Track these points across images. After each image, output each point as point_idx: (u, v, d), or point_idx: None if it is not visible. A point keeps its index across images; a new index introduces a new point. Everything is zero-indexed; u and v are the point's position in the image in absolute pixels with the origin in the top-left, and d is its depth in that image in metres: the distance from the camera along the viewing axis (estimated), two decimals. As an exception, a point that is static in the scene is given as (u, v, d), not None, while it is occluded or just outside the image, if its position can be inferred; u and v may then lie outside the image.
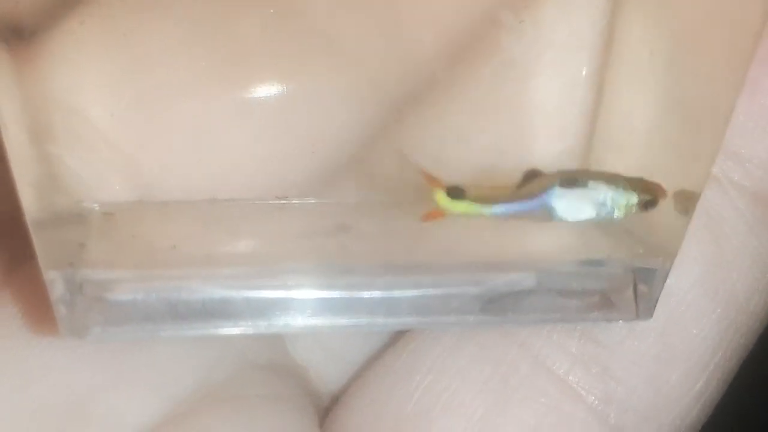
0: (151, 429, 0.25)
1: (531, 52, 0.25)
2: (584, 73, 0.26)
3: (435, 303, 0.25)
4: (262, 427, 0.26)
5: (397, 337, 0.28)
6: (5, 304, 0.25)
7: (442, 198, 0.24)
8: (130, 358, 0.26)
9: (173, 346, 0.26)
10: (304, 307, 0.25)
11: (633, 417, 0.27)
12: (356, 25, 0.24)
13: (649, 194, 0.25)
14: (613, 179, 0.25)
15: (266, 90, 0.24)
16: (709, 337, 0.27)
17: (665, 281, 0.26)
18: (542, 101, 0.26)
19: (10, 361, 0.25)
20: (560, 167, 0.26)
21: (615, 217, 0.25)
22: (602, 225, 0.26)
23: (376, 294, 0.25)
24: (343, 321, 0.25)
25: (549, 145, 0.26)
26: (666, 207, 0.25)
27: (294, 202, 0.26)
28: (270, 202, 0.25)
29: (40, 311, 0.25)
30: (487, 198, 0.25)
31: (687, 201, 0.25)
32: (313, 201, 0.26)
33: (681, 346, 0.27)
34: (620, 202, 0.25)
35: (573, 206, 0.25)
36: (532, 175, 0.25)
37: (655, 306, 0.26)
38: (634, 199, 0.25)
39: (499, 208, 0.25)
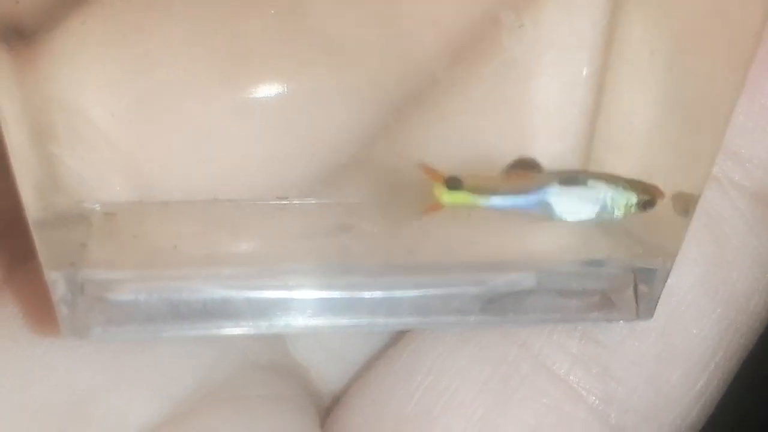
0: (152, 429, 0.25)
1: (531, 52, 0.25)
2: (585, 73, 0.26)
3: (435, 303, 0.25)
4: (263, 427, 0.26)
5: (398, 337, 0.28)
6: (6, 304, 0.25)
7: (439, 189, 0.24)
8: (131, 358, 0.26)
9: (174, 346, 0.26)
10: (305, 308, 0.25)
11: (633, 417, 0.27)
12: (357, 25, 0.24)
13: (647, 195, 0.25)
14: (612, 179, 0.25)
15: (267, 90, 0.24)
16: (710, 337, 0.27)
17: (666, 281, 0.26)
18: (543, 101, 0.26)
19: (11, 361, 0.25)
20: (560, 167, 0.26)
21: (614, 217, 0.25)
22: (603, 225, 0.26)
23: (377, 294, 0.25)
24: (343, 321, 0.25)
25: (549, 144, 0.26)
26: (666, 207, 0.25)
27: (295, 202, 0.26)
28: (271, 202, 0.25)
29: (41, 311, 0.25)
30: (485, 189, 0.25)
31: (685, 203, 0.25)
32: (313, 201, 0.26)
33: (681, 346, 0.27)
34: (619, 201, 0.25)
35: (572, 205, 0.25)
36: (523, 164, 0.25)
37: (655, 306, 0.26)
38: (633, 199, 0.25)
39: (496, 200, 0.25)
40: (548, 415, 0.26)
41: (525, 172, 0.25)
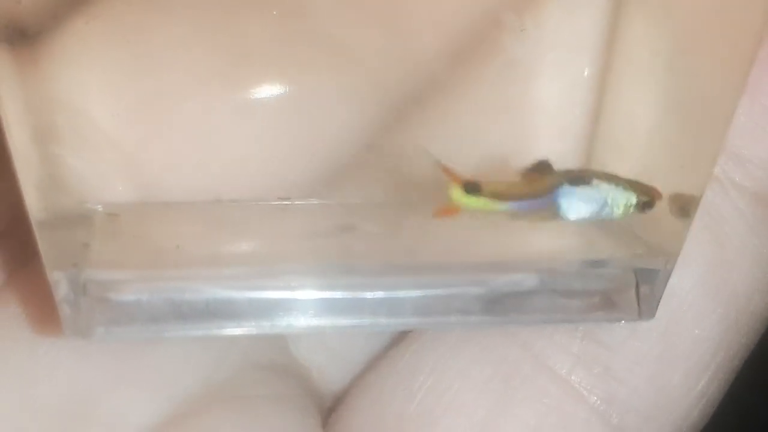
0: (154, 429, 0.25)
1: (533, 53, 0.25)
2: (586, 73, 0.26)
3: (437, 303, 0.25)
4: (264, 427, 0.26)
5: (400, 337, 0.28)
6: (9, 304, 0.25)
7: (458, 193, 0.24)
8: (133, 358, 0.26)
9: (176, 346, 0.26)
10: (306, 308, 0.25)
11: (635, 417, 0.27)
12: (358, 25, 0.24)
13: (645, 196, 0.25)
14: (613, 179, 0.25)
15: (269, 90, 0.24)
16: (711, 337, 0.27)
17: (667, 282, 0.26)
18: (544, 102, 0.26)
19: (14, 361, 0.25)
20: (562, 167, 0.26)
21: (614, 217, 0.25)
22: (604, 225, 0.26)
23: (379, 294, 0.25)
24: (345, 321, 0.25)
25: (551, 145, 0.26)
26: (667, 208, 0.25)
27: (296, 202, 0.26)
28: (272, 203, 0.25)
29: (44, 311, 0.25)
30: (502, 194, 0.25)
31: (683, 204, 0.25)
32: (315, 202, 0.26)
33: (683, 347, 0.27)
34: (620, 201, 0.25)
35: (579, 204, 0.25)
36: (542, 167, 0.25)
37: (657, 306, 0.26)
38: (633, 199, 0.25)
39: (513, 205, 0.25)
40: (549, 415, 0.26)
41: (540, 175, 0.25)
